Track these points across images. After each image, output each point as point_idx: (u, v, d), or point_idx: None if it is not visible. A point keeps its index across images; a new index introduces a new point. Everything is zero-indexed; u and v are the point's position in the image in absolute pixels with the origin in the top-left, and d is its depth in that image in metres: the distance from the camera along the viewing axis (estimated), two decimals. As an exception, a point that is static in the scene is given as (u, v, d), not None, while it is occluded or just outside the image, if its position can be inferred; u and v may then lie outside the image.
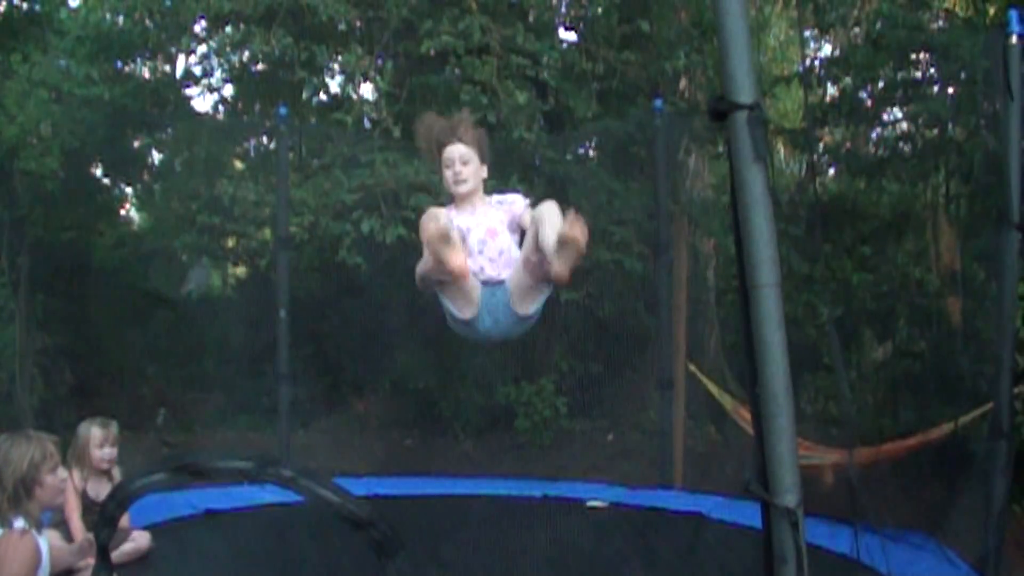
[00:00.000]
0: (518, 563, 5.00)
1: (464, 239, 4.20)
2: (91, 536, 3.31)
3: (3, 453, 3.60)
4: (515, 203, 4.46)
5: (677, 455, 7.55)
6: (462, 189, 4.31)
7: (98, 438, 5.19)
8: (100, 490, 5.15)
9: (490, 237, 4.25)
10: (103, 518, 1.59)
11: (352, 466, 7.88)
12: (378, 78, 8.67)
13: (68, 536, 4.82)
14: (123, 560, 4.81)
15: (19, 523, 3.45)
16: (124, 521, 4.64)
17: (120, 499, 1.55)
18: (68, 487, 3.92)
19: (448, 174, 4.31)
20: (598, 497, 6.90)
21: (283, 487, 1.46)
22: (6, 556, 3.40)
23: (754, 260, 2.06)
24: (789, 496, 2.07)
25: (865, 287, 8.40)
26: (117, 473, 5.32)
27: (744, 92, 2.07)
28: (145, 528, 5.41)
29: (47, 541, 3.63)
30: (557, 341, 9.58)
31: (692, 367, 7.74)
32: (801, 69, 8.78)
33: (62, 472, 3.63)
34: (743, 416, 7.08)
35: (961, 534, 5.67)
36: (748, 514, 5.79)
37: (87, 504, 5.01)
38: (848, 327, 8.44)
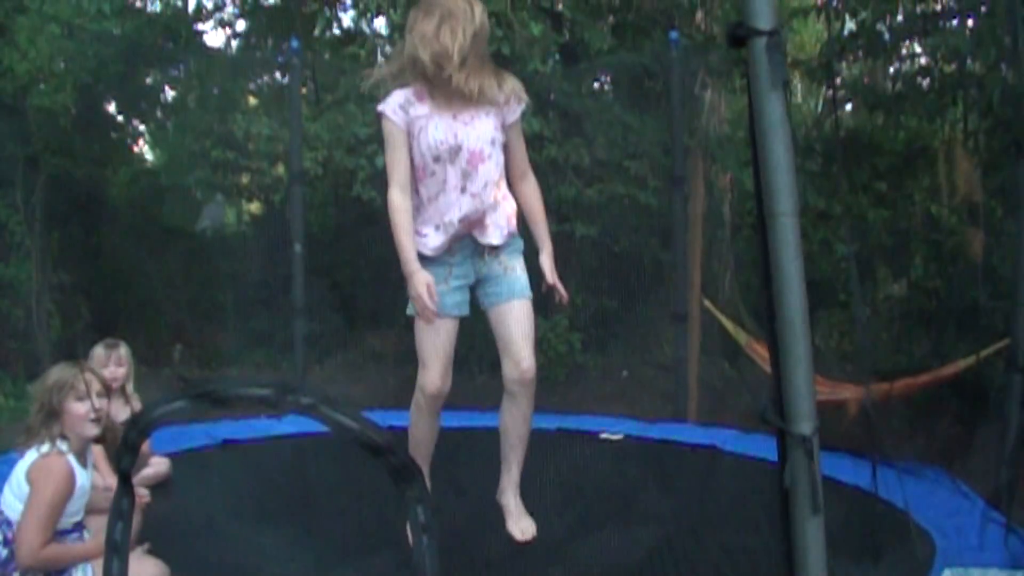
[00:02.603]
0: (533, 493, 5.05)
1: (435, 160, 3.69)
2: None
3: (45, 374, 3.68)
4: (509, 103, 3.82)
5: (691, 389, 7.58)
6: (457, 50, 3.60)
7: (101, 358, 5.22)
8: (117, 411, 5.21)
9: (472, 166, 3.71)
10: (124, 445, 1.61)
11: (368, 400, 7.93)
12: (391, 11, 8.60)
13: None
14: (143, 485, 4.87)
15: (45, 447, 3.50)
16: (144, 447, 4.68)
17: (141, 426, 1.56)
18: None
19: (428, 28, 3.61)
20: (612, 430, 6.94)
21: (302, 414, 1.47)
22: (38, 480, 3.44)
23: (772, 189, 2.04)
24: (805, 424, 2.07)
25: (881, 223, 8.36)
26: (134, 395, 5.37)
27: (763, 18, 2.03)
28: (164, 457, 5.48)
29: (88, 473, 3.67)
30: (571, 276, 9.57)
31: (707, 302, 7.74)
32: (821, 1, 8.64)
33: (92, 403, 3.63)
34: (757, 351, 7.10)
35: (975, 468, 5.69)
36: (761, 447, 5.84)
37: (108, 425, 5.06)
38: (864, 263, 8.41)
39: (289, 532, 4.65)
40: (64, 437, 3.53)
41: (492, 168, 3.74)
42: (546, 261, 3.96)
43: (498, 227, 3.82)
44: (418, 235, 3.75)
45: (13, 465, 3.58)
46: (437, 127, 3.65)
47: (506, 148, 3.86)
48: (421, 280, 3.64)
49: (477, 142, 3.67)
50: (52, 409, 3.54)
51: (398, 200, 3.72)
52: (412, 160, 3.70)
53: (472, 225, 3.76)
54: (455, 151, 3.65)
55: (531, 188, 3.98)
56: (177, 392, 1.62)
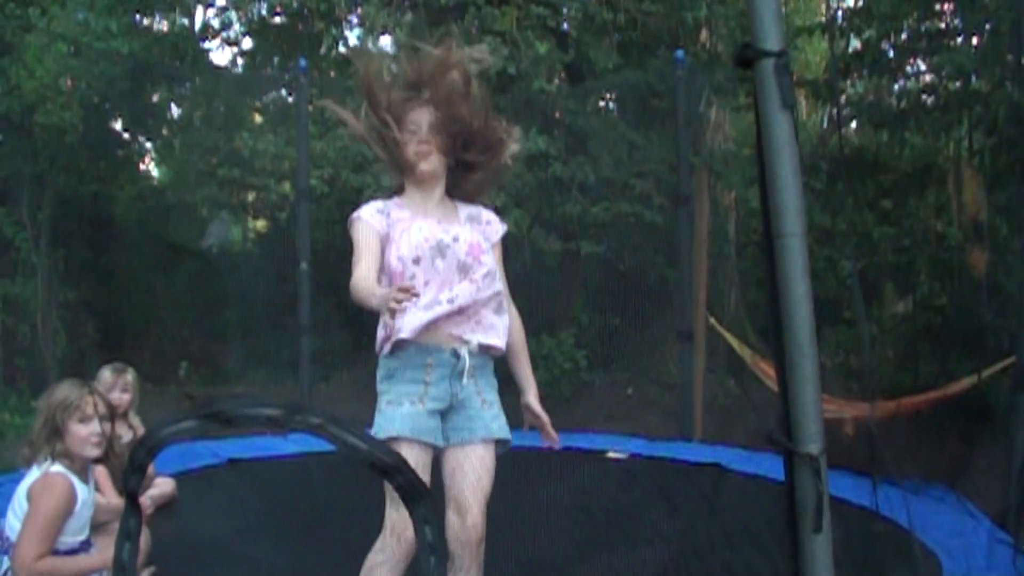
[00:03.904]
0: (538, 512, 5.05)
1: (415, 262, 3.15)
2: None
3: (51, 390, 3.68)
4: (492, 223, 3.41)
5: (696, 408, 7.56)
6: (425, 166, 3.25)
7: (107, 382, 5.23)
8: (121, 434, 5.21)
9: (474, 257, 3.20)
10: (131, 465, 1.60)
11: (373, 418, 7.93)
12: (397, 30, 8.64)
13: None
14: (150, 507, 4.88)
15: (47, 464, 3.49)
16: (149, 468, 4.69)
17: (149, 446, 1.56)
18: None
19: (409, 147, 3.23)
20: (617, 448, 6.93)
21: (311, 434, 1.47)
22: (38, 494, 3.43)
23: (779, 209, 2.04)
24: (812, 444, 2.07)
25: (887, 241, 8.36)
26: (136, 420, 5.37)
27: (771, 39, 2.04)
28: (169, 477, 5.48)
29: (90, 489, 3.67)
30: (577, 294, 9.59)
31: (712, 320, 7.74)
32: (826, 19, 8.67)
33: (95, 426, 3.60)
34: (763, 369, 7.09)
35: (982, 488, 5.68)
36: (767, 466, 5.83)
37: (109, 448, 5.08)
38: (869, 281, 8.41)
39: (295, 551, 4.65)
40: (66, 455, 3.53)
41: (492, 261, 3.25)
42: (534, 402, 3.40)
43: (495, 329, 3.26)
44: (396, 337, 3.16)
45: (19, 482, 3.59)
46: (422, 228, 3.19)
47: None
48: (391, 290, 2.87)
49: (473, 236, 3.24)
50: (55, 427, 3.53)
51: (365, 272, 3.14)
52: (388, 264, 3.20)
53: (464, 317, 3.19)
54: (447, 245, 3.16)
55: (512, 318, 3.39)
56: (184, 410, 1.62)
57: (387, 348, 3.19)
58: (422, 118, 3.26)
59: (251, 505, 5.55)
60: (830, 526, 2.11)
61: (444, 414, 3.23)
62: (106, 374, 5.28)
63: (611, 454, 6.83)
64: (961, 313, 7.68)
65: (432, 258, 3.15)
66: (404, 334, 3.11)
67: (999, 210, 7.73)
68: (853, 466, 5.16)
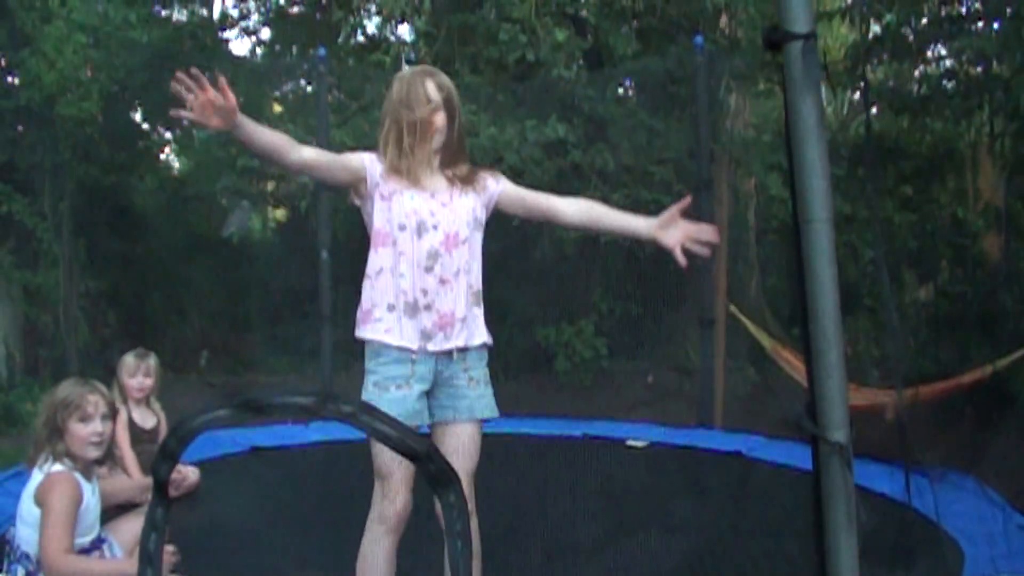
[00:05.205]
0: (560, 500, 5.05)
1: (400, 228, 3.20)
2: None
3: (54, 388, 3.69)
4: (488, 182, 3.40)
5: (717, 395, 7.55)
6: (438, 141, 3.29)
7: (131, 367, 5.31)
8: (145, 418, 5.28)
9: (446, 249, 3.19)
10: (163, 453, 1.61)
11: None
12: (416, 18, 8.63)
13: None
14: (172, 495, 4.90)
15: (48, 465, 3.50)
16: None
17: (181, 435, 1.56)
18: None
19: (425, 112, 3.24)
20: (638, 436, 6.93)
21: (343, 422, 1.48)
22: (46, 493, 3.44)
23: (807, 194, 2.03)
24: (839, 432, 2.06)
25: (907, 227, 8.33)
26: (157, 406, 5.43)
27: (800, 21, 2.02)
28: (192, 465, 5.51)
29: (95, 487, 3.68)
30: (597, 282, 9.57)
31: (732, 307, 7.72)
32: (846, 4, 8.61)
33: (96, 426, 3.59)
34: (783, 357, 7.08)
35: (1002, 473, 5.66)
36: (788, 454, 5.83)
37: (135, 432, 5.14)
38: (890, 268, 8.38)
39: (318, 539, 4.66)
40: (67, 455, 3.54)
41: (466, 253, 3.25)
42: (669, 211, 3.49)
43: (480, 330, 3.31)
44: (372, 320, 3.26)
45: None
46: (413, 197, 3.21)
47: (522, 201, 3.46)
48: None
49: (454, 224, 3.22)
50: (55, 426, 3.54)
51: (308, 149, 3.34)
52: (376, 223, 3.27)
53: (447, 322, 3.20)
54: (426, 227, 3.18)
55: (577, 199, 3.55)
56: (210, 399, 1.63)
57: (369, 335, 3.27)
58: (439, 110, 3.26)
59: (274, 493, 5.57)
60: (856, 514, 2.10)
61: (429, 391, 3.23)
62: (129, 359, 5.35)
63: (631, 442, 6.83)
64: (982, 300, 7.65)
65: (412, 232, 3.18)
66: (388, 339, 3.20)
67: (1020, 196, 7.70)
68: (873, 453, 5.15)
